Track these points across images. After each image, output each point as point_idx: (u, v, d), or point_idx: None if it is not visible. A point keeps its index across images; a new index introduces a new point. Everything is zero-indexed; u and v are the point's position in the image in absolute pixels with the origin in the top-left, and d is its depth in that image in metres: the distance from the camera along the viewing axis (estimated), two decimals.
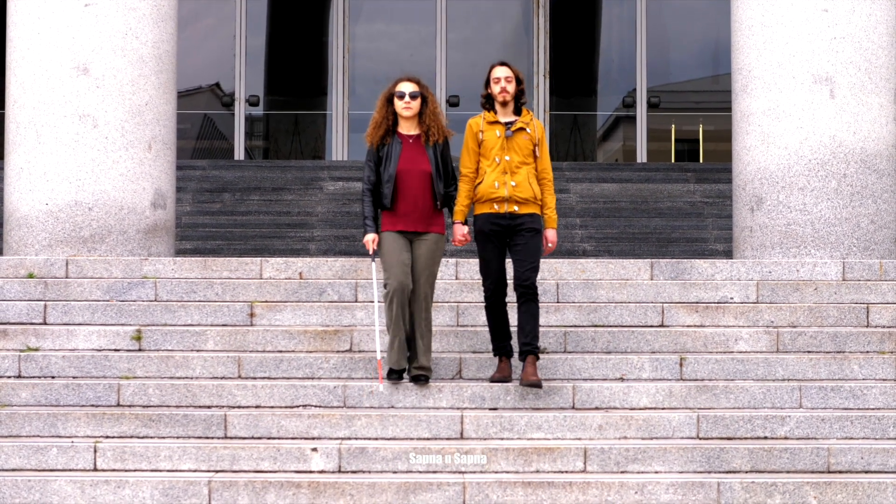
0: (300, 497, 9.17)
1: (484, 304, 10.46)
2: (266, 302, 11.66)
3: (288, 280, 12.00)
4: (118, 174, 13.15)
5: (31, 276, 12.10)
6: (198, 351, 11.08)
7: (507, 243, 10.28)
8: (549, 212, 10.37)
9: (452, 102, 21.64)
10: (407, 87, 10.34)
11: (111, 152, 13.14)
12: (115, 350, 11.10)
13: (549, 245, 10.40)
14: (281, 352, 11.06)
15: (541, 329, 10.48)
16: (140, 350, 11.10)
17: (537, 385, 10.04)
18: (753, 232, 13.21)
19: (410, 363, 10.33)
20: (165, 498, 9.17)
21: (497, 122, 10.30)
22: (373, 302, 11.15)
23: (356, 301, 11.71)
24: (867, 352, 11.10)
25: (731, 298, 11.82)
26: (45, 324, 11.44)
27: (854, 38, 13.02)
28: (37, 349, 11.06)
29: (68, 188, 13.05)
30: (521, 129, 10.30)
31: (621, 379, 10.67)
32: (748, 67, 13.32)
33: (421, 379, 10.26)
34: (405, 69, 22.04)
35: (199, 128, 22.78)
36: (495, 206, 10.21)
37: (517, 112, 10.38)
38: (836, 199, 12.97)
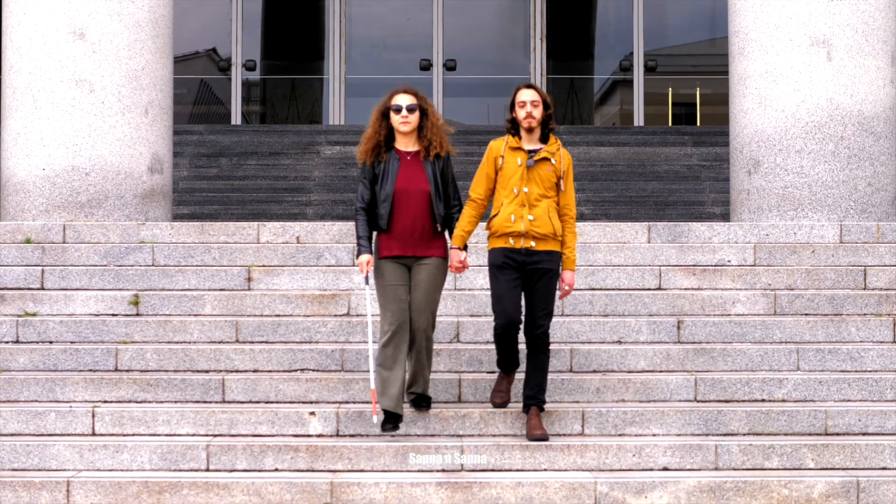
0: (298, 461, 9.18)
1: (493, 334, 9.54)
2: (263, 266, 11.65)
3: (285, 244, 11.99)
4: (115, 139, 13.13)
5: (28, 241, 12.10)
6: (195, 315, 11.09)
7: (521, 279, 9.35)
8: (569, 252, 9.42)
9: (449, 66, 21.56)
10: (403, 100, 9.38)
11: (108, 117, 13.11)
12: (113, 315, 11.11)
13: (566, 288, 9.49)
14: (278, 316, 11.06)
15: None
16: (138, 315, 11.10)
17: (544, 439, 9.25)
18: (751, 195, 13.20)
19: (408, 388, 9.61)
20: (164, 462, 9.18)
21: (520, 149, 9.35)
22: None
23: (353, 265, 11.70)
24: (864, 314, 11.12)
25: (729, 261, 11.82)
26: (42, 289, 11.44)
27: (851, 1, 12.98)
28: (34, 314, 11.06)
29: (65, 153, 13.03)
30: (546, 158, 9.34)
31: (619, 342, 10.69)
32: (745, 30, 13.28)
33: (423, 405, 9.63)
34: (402, 33, 22.11)
35: (196, 93, 22.72)
36: (511, 241, 9.30)
37: (543, 140, 9.44)
38: (834, 161, 12.95)
